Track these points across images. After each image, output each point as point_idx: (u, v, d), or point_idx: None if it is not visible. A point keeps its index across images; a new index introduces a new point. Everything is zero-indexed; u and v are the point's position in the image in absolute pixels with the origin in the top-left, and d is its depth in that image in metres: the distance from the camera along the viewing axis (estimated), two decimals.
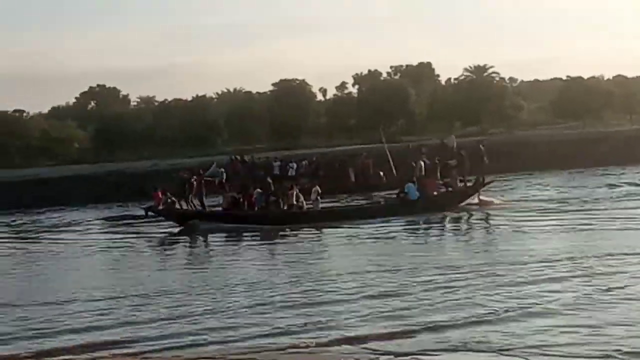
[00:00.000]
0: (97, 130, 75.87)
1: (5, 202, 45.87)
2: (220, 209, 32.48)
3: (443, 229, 27.72)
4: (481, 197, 32.74)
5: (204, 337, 13.16)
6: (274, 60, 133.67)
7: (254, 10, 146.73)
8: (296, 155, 49.85)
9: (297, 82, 78.09)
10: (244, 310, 14.85)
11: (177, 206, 31.93)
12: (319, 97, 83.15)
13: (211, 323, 13.99)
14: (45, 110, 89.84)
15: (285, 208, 31.18)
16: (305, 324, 13.58)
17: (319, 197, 31.59)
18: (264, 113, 75.94)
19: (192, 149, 63.00)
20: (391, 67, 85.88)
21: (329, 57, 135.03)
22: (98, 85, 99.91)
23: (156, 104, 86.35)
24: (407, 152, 49.16)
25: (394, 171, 48.30)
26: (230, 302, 15.67)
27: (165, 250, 27.38)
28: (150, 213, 32.01)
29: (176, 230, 31.19)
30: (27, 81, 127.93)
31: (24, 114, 78.98)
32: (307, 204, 31.29)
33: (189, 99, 79.38)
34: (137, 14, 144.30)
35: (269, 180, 33.49)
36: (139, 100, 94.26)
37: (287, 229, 28.80)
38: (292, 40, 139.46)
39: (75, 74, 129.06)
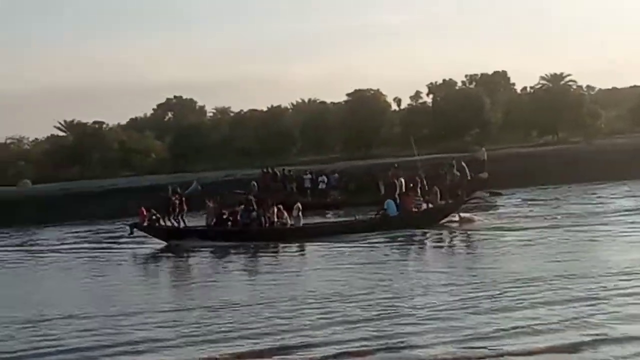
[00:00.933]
0: (174, 140, 76.91)
1: (86, 213, 46.99)
2: (204, 225, 32.89)
3: (423, 244, 27.97)
4: (462, 214, 32.85)
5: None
6: (349, 70, 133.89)
7: (329, 21, 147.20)
8: (326, 168, 49.82)
9: (372, 92, 78.05)
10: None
11: (162, 223, 32.84)
12: (394, 106, 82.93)
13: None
14: (123, 122, 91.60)
15: (267, 225, 31.69)
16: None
17: (300, 214, 31.95)
18: (338, 123, 76.05)
19: (267, 159, 63.41)
20: (466, 75, 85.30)
21: (404, 67, 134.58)
22: (175, 97, 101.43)
23: (232, 114, 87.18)
24: (437, 164, 49.09)
25: (425, 184, 48.11)
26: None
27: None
28: (134, 230, 32.78)
29: (161, 246, 32.04)
30: (106, 93, 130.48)
31: (104, 125, 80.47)
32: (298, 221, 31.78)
33: (264, 109, 79.97)
34: (214, 26, 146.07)
35: (251, 197, 33.56)
36: (214, 111, 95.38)
37: (271, 245, 29.27)
38: (367, 49, 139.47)
39: (153, 85, 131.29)
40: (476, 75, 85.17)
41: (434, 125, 74.94)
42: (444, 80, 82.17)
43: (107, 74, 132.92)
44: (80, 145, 74.41)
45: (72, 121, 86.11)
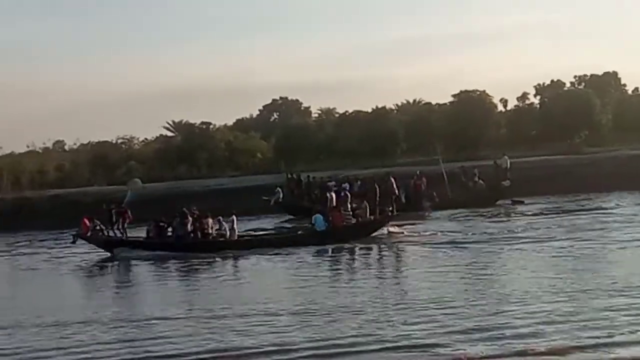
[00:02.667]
0: (279, 141, 77.55)
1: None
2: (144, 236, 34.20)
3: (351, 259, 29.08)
4: (390, 229, 33.50)
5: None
6: (454, 71, 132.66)
7: (434, 23, 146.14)
8: (349, 176, 49.55)
9: (478, 92, 77.12)
10: None
11: (105, 233, 34.36)
12: (500, 107, 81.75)
13: None
14: (230, 122, 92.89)
15: (202, 236, 32.81)
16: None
17: (235, 226, 32.97)
18: (443, 124, 75.41)
19: (371, 160, 63.29)
20: (575, 76, 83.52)
21: (510, 68, 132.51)
22: (281, 98, 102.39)
23: (336, 115, 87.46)
24: (461, 172, 48.59)
25: (448, 192, 47.70)
26: None
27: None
28: (76, 238, 34.30)
29: (102, 256, 33.47)
30: (214, 94, 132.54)
31: (211, 126, 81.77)
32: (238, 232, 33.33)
33: (369, 110, 79.91)
34: (320, 29, 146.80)
35: (184, 209, 33.93)
36: (319, 111, 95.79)
37: (203, 257, 30.15)
38: (472, 50, 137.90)
39: (260, 86, 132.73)
40: (585, 76, 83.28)
41: (541, 127, 73.62)
42: (551, 81, 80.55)
43: (214, 75, 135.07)
44: (188, 145, 75.76)
45: (181, 121, 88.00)
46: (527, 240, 29.15)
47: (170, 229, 33.62)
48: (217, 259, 30.30)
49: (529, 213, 39.95)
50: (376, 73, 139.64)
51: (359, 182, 47.07)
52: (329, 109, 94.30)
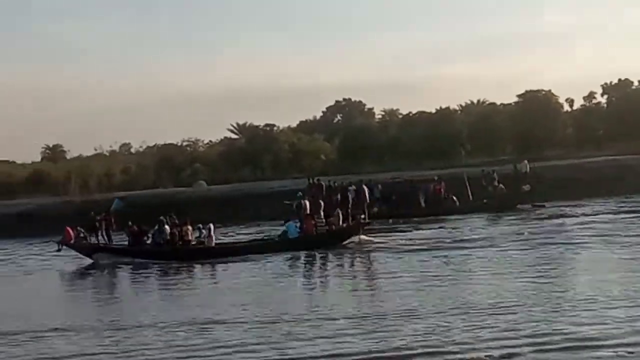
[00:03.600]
0: (342, 142, 77.59)
1: (253, 214, 48.18)
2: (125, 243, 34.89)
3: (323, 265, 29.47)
4: (361, 236, 33.67)
5: None
6: (520, 70, 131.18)
7: (499, 22, 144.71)
8: (370, 180, 48.94)
9: (543, 92, 76.20)
10: None
11: (88, 240, 35.14)
12: (566, 107, 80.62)
13: None
14: (294, 124, 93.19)
15: (181, 243, 33.45)
16: None
17: (212, 234, 33.44)
18: (508, 124, 74.74)
19: (435, 161, 63.03)
20: None
21: (576, 67, 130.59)
22: (344, 99, 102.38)
23: (400, 116, 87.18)
24: (481, 177, 48.41)
25: (470, 196, 47.38)
26: None
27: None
28: (62, 246, 35.22)
29: (87, 262, 34.08)
30: (277, 96, 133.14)
31: (275, 128, 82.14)
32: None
33: (433, 111, 79.53)
34: (383, 30, 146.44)
35: (162, 217, 34.35)
36: (383, 112, 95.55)
37: (182, 264, 31.05)
38: (538, 50, 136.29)
39: (323, 88, 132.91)
40: None
41: (608, 126, 72.48)
42: (619, 80, 79.23)
43: (279, 77, 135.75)
44: (252, 147, 76.23)
45: (245, 124, 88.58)
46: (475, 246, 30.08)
47: (148, 236, 34.42)
48: (195, 266, 30.97)
49: (542, 217, 40.04)
50: (440, 73, 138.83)
51: (379, 187, 47.39)
52: (392, 110, 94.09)
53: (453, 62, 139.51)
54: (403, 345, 15.19)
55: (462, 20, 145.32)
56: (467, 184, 47.15)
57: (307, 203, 35.94)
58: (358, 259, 30.52)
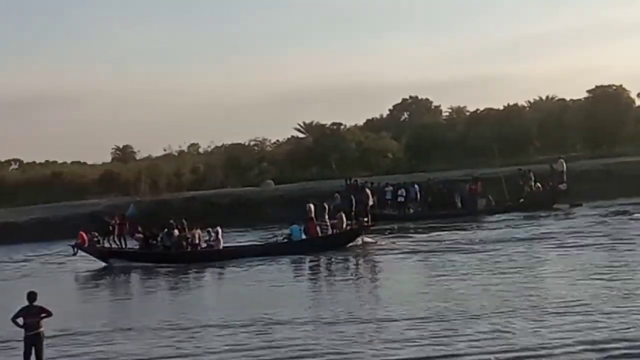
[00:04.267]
0: (410, 140, 77.23)
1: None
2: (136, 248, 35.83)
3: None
4: (365, 239, 34.42)
5: None
6: (589, 65, 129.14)
7: (566, 16, 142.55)
8: (406, 181, 50.35)
9: (614, 87, 74.81)
10: None
11: (101, 245, 36.18)
12: (638, 102, 79.06)
13: None
14: (360, 122, 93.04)
15: (190, 247, 34.31)
16: None
17: (220, 237, 34.12)
18: (578, 120, 73.56)
19: (504, 158, 62.32)
20: None
21: None
22: (410, 97, 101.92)
23: (467, 113, 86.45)
24: (518, 176, 47.90)
25: (506, 195, 46.86)
26: None
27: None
28: (76, 250, 36.52)
29: (100, 266, 34.98)
30: (344, 94, 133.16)
31: (341, 126, 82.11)
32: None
33: (501, 107, 78.67)
34: (448, 25, 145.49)
35: (171, 221, 35.44)
36: (450, 110, 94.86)
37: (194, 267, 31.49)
38: (608, 44, 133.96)
39: (389, 86, 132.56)
40: None
41: None
42: None
43: (345, 76, 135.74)
44: (319, 146, 76.29)
45: (312, 123, 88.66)
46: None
47: (157, 240, 35.23)
48: (205, 269, 31.48)
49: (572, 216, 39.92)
50: (507, 69, 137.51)
51: (416, 187, 47.42)
52: (459, 107, 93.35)
53: (521, 59, 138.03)
54: (470, 347, 15.05)
55: (531, 15, 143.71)
56: (504, 184, 47.14)
57: (312, 207, 36.12)
58: (382, 261, 30.46)
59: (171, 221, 35.50)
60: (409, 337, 16.24)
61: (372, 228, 37.35)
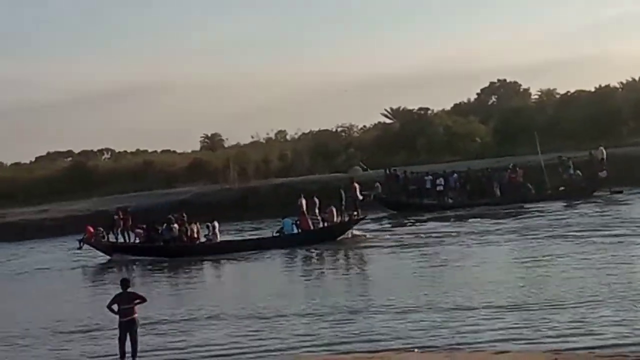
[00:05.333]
0: (498, 124, 76.17)
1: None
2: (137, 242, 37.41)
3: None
4: (354, 232, 35.50)
5: None
6: None
7: None
8: (445, 169, 51.00)
9: None
10: None
11: (107, 239, 38.00)
12: None
13: None
14: (448, 107, 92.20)
15: (188, 241, 35.60)
16: None
17: (216, 231, 35.36)
18: None
19: (595, 141, 60.90)
20: None
21: None
22: (499, 80, 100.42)
23: (557, 96, 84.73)
24: (558, 163, 47.09)
25: (547, 184, 46.15)
26: None
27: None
28: (82, 244, 37.80)
29: (105, 259, 36.76)
30: (430, 79, 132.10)
31: (429, 111, 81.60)
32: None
33: (592, 89, 76.88)
34: (536, 6, 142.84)
35: (171, 216, 37.56)
36: (539, 93, 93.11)
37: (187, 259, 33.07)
38: None
39: (477, 70, 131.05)
40: None
41: None
42: None
43: (431, 60, 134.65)
44: (406, 131, 75.91)
45: (399, 108, 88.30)
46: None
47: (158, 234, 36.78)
48: (204, 262, 33.05)
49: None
50: (598, 50, 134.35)
51: (455, 176, 47.47)
52: (549, 89, 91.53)
53: (613, 38, 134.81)
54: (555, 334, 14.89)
55: None
56: (544, 171, 46.92)
57: (304, 201, 36.87)
58: (346, 253, 32.13)
59: (170, 216, 37.32)
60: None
61: (412, 218, 40.13)
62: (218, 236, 36.29)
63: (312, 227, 35.96)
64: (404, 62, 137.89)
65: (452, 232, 34.48)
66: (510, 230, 33.35)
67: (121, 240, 38.54)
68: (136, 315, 16.01)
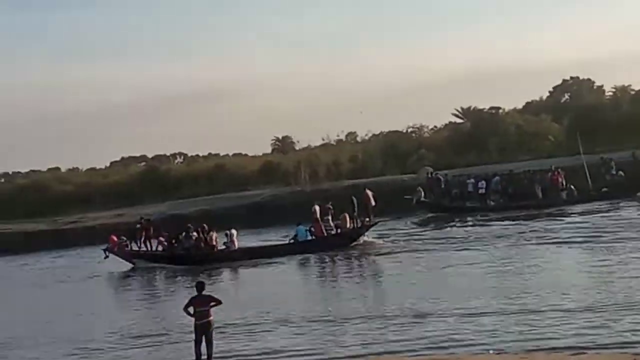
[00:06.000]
0: (571, 122, 74.98)
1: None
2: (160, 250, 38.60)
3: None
4: (365, 239, 35.79)
5: None
6: None
7: None
8: (488, 172, 51.04)
9: None
10: None
11: (130, 247, 39.08)
12: None
13: None
14: (519, 106, 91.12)
15: (207, 248, 36.30)
16: None
17: (234, 239, 36.00)
18: None
19: None
20: None
21: None
22: (571, 78, 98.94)
23: (632, 92, 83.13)
24: (599, 164, 46.15)
25: (590, 185, 45.16)
26: None
27: None
28: (108, 253, 39.08)
29: (128, 267, 37.92)
30: (502, 78, 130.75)
31: (500, 110, 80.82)
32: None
33: None
34: (608, 4, 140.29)
35: (189, 225, 38.53)
36: (614, 90, 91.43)
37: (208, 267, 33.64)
38: None
39: (548, 68, 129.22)
40: None
41: None
42: None
43: (501, 59, 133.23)
44: (478, 131, 75.30)
45: (469, 108, 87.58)
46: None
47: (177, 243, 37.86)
48: (222, 269, 33.77)
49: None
50: None
51: (497, 179, 47.37)
52: (624, 86, 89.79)
53: None
54: None
55: None
56: (587, 173, 46.48)
57: (317, 208, 37.10)
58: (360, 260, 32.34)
59: (189, 225, 38.55)
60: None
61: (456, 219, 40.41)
62: (236, 244, 37.29)
63: (325, 234, 36.63)
64: (474, 61, 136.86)
65: (504, 234, 34.30)
66: (559, 230, 33.07)
67: (144, 249, 40.07)
68: (212, 317, 16.16)
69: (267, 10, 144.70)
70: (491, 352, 14.98)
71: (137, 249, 39.78)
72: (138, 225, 40.93)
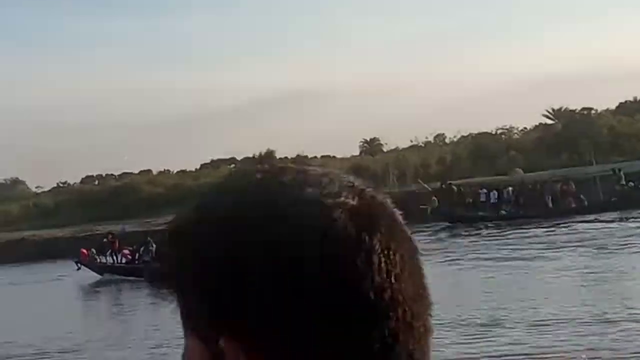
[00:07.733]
0: None
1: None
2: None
3: None
4: None
5: None
6: None
7: None
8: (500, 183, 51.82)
9: None
10: None
11: (98, 260, 41.84)
12: None
13: None
14: (613, 106, 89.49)
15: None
16: None
17: None
18: None
19: None
20: None
21: None
22: None
23: None
24: (611, 174, 45.63)
25: (601, 195, 43.88)
26: None
27: None
28: (80, 265, 41.58)
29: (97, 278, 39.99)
30: (595, 78, 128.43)
31: (592, 111, 79.56)
32: None
33: None
34: None
35: (149, 238, 39.30)
36: None
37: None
38: None
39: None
40: None
41: None
42: None
43: (593, 58, 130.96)
44: (568, 133, 74.21)
45: (560, 109, 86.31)
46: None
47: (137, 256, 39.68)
48: None
49: None
50: None
51: (509, 189, 47.59)
52: None
53: None
54: None
55: None
56: (598, 183, 45.83)
57: None
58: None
59: (149, 238, 39.55)
60: None
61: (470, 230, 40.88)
62: None
63: None
64: (566, 61, 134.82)
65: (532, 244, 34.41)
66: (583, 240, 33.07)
67: (110, 261, 42.37)
68: None
69: (355, 10, 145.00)
70: (584, 357, 14.81)
71: (104, 261, 42.74)
72: (105, 240, 43.97)
